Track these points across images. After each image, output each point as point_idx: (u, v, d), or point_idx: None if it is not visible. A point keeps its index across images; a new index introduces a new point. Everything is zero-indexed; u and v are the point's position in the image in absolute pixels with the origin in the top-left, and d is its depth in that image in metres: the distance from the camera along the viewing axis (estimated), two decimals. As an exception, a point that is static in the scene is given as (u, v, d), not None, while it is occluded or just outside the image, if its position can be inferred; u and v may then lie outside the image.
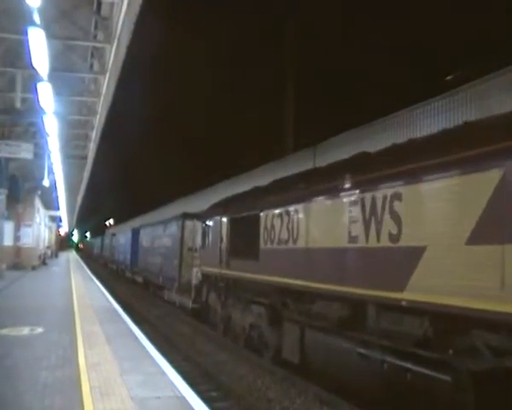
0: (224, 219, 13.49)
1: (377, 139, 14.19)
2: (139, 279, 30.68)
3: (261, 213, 11.07)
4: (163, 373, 7.84)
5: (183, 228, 19.47)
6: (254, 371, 10.96)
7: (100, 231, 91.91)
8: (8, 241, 27.64)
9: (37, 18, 11.42)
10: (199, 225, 17.44)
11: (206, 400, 7.07)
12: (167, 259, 21.65)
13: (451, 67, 20.19)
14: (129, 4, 11.32)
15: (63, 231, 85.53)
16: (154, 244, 26.08)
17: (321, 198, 8.93)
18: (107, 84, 16.72)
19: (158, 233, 25.04)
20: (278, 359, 10.55)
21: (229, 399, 9.52)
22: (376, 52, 28.84)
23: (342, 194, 8.21)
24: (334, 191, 8.47)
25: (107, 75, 15.69)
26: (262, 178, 23.69)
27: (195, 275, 17.18)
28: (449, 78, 17.31)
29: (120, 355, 8.75)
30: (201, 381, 10.45)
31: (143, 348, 9.69)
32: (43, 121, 19.49)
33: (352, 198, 7.84)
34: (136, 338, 10.59)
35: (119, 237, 45.22)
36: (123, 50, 13.23)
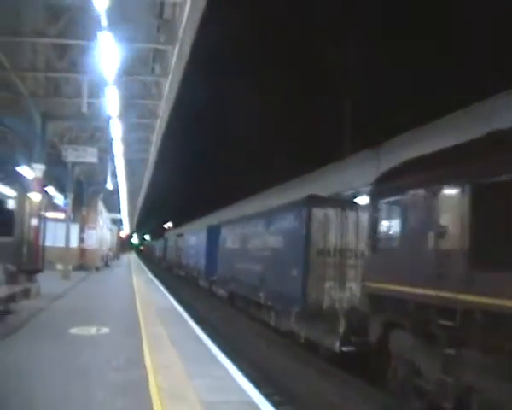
0: (452, 191, 7.45)
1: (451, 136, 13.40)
2: (221, 292, 24.40)
3: None
4: (230, 377, 7.70)
5: (308, 219, 13.20)
6: (319, 375, 10.81)
7: (162, 232, 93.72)
8: (73, 243, 28.47)
9: (104, 22, 11.60)
10: (335, 214, 13.15)
11: (273, 404, 6.86)
12: (278, 267, 15.26)
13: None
14: (193, 3, 11.27)
15: (124, 233, 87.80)
16: (247, 245, 19.35)
17: None
18: (169, 87, 16.86)
19: (256, 230, 18.35)
20: None
21: (293, 403, 9.27)
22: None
23: None
24: None
25: (170, 77, 15.81)
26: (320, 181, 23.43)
27: (328, 293, 12.70)
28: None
29: (186, 358, 8.66)
30: (265, 384, 10.24)
31: (208, 350, 9.60)
32: (107, 125, 19.93)
33: None
34: (200, 340, 10.52)
35: (189, 237, 38.93)
36: (186, 51, 13.26)
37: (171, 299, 18.51)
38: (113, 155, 25.64)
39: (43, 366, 7.74)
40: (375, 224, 9.60)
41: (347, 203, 13.89)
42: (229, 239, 23.05)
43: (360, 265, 12.41)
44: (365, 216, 12.73)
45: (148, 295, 19.35)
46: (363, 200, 14.58)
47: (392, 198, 9.04)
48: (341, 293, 12.71)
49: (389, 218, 9.20)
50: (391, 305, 8.67)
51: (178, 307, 16.16)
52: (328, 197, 15.67)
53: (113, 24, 12.43)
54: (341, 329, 10.94)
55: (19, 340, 9.73)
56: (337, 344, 10.94)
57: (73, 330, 10.62)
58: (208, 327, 14.27)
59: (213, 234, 26.79)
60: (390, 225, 9.16)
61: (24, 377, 7.13)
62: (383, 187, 9.52)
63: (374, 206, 9.71)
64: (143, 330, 11.14)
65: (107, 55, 12.53)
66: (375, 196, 9.76)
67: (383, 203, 9.37)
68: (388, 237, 9.27)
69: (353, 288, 12.52)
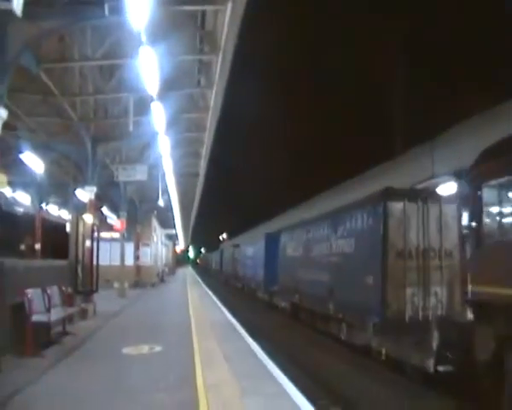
0: None
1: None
2: (282, 303, 22.65)
3: None
4: (285, 394, 7.32)
5: (385, 216, 11.47)
6: (377, 383, 10.32)
7: (218, 243, 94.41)
8: (128, 261, 28.89)
9: (145, 38, 11.57)
10: (415, 208, 11.42)
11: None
12: (350, 273, 13.55)
13: None
14: (233, 9, 11.08)
15: (179, 248, 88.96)
16: (312, 252, 17.53)
17: None
18: (214, 97, 16.77)
19: (321, 234, 16.45)
20: None
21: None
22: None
23: None
24: None
25: (215, 87, 15.69)
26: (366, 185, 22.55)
27: (411, 301, 11.14)
28: None
29: (240, 374, 8.33)
30: (322, 395, 9.72)
31: (263, 366, 9.24)
32: (155, 142, 20.07)
33: None
34: (255, 355, 10.18)
35: (245, 248, 37.81)
36: (229, 57, 13.12)
37: (227, 313, 18.15)
38: (164, 172, 25.86)
39: (93, 388, 7.61)
40: (478, 211, 7.93)
41: (428, 194, 12.14)
42: (291, 246, 21.25)
43: (445, 266, 11.40)
44: (449, 208, 11.65)
45: (203, 310, 19.19)
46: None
47: (507, 176, 7.35)
48: (425, 300, 11.24)
49: (504, 201, 7.48)
50: (509, 314, 6.95)
51: (234, 321, 15.81)
52: (406, 189, 13.58)
53: (156, 39, 12.41)
54: (435, 344, 9.17)
55: (73, 361, 9.68)
56: (431, 362, 9.16)
57: (126, 350, 10.51)
58: (264, 341, 13.78)
59: (272, 242, 25.44)
60: (505, 211, 7.46)
61: (71, 400, 7.00)
62: (491, 165, 7.70)
63: (476, 189, 8.01)
64: (196, 346, 10.90)
65: (151, 70, 12.49)
66: (478, 178, 8.01)
67: (492, 184, 7.72)
68: (504, 227, 7.45)
69: (439, 293, 11.33)
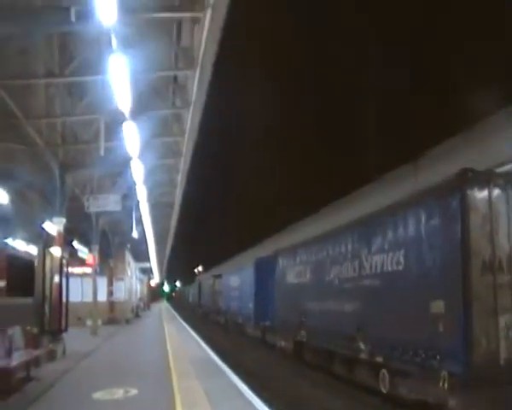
0: None
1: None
2: (281, 342, 18.47)
3: None
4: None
5: (464, 212, 7.97)
6: None
7: (193, 277, 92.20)
8: (101, 296, 27.39)
9: (114, 45, 10.60)
10: (504, 198, 8.11)
11: None
12: (394, 300, 9.91)
13: None
14: (211, 20, 10.23)
15: (154, 281, 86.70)
16: (326, 276, 13.77)
17: None
18: (191, 117, 15.84)
19: (342, 251, 12.82)
20: None
21: None
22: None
23: None
24: None
25: (192, 106, 14.76)
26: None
27: (506, 336, 7.65)
28: None
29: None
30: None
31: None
32: (128, 169, 18.97)
33: None
34: (245, 399, 9.00)
35: (229, 277, 33.90)
36: (208, 75, 12.29)
37: (209, 350, 16.61)
38: (138, 201, 24.68)
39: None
40: None
41: None
42: (293, 271, 17.27)
43: None
44: None
45: (182, 347, 17.79)
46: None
47: None
48: None
49: None
50: None
51: (218, 359, 14.33)
52: (490, 170, 10.14)
53: (128, 51, 11.47)
54: None
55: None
56: None
57: (98, 395, 9.26)
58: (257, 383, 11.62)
59: (265, 268, 21.92)
60: None
61: None
62: None
63: None
64: (176, 388, 9.69)
65: (123, 83, 11.49)
66: None
67: None
68: None
69: None
